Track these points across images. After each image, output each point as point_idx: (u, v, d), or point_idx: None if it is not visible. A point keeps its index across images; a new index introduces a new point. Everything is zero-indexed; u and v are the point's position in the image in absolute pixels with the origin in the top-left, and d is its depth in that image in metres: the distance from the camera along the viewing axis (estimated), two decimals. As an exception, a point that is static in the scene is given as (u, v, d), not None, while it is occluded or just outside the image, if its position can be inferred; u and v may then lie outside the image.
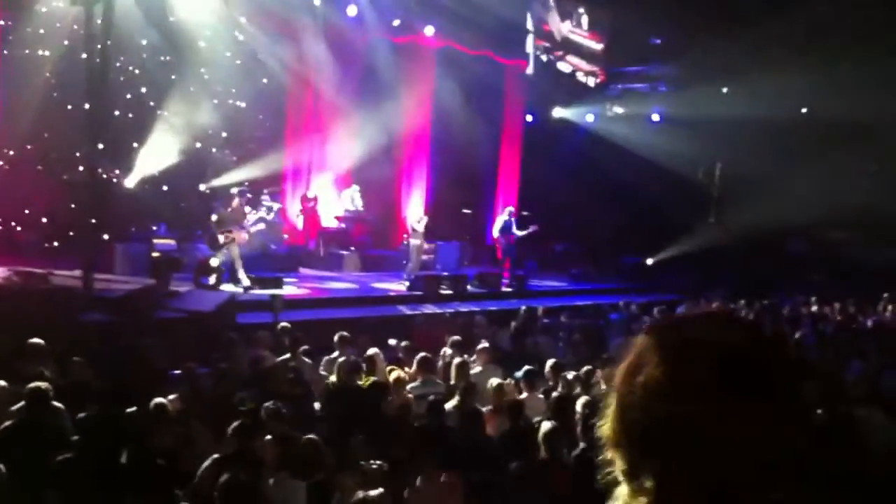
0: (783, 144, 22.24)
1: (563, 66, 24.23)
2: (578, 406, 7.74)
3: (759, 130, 22.41)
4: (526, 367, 9.63)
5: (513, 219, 20.01)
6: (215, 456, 6.32)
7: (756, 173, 22.87)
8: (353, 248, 20.41)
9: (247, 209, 16.35)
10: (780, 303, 18.38)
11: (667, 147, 23.54)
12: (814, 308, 17.62)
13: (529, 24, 22.88)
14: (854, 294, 18.30)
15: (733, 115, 23.34)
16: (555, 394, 8.65)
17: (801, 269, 21.93)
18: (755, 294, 18.41)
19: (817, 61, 20.51)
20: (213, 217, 15.47)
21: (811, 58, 20.43)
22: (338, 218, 20.62)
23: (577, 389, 9.11)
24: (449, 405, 8.28)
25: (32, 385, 7.09)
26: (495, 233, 20.05)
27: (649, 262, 24.29)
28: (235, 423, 6.72)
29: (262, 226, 17.00)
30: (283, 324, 11.88)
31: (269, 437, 6.63)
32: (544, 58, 23.69)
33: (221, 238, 15.12)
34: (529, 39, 23.12)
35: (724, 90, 24.84)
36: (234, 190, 16.42)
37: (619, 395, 1.34)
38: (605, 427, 1.35)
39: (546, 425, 6.89)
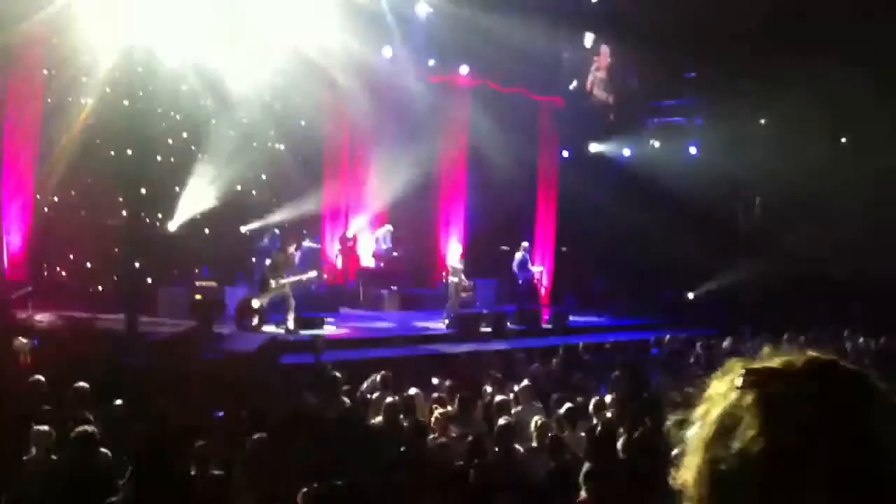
0: (822, 175, 22.01)
1: (596, 101, 24.27)
2: (619, 445, 7.69)
3: (797, 161, 22.22)
4: (568, 405, 9.57)
5: (527, 254, 20.46)
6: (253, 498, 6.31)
7: (795, 205, 22.65)
8: (393, 287, 20.46)
9: (297, 256, 16.61)
10: (826, 335, 18.10)
11: (704, 180, 23.40)
12: (860, 340, 17.32)
13: (563, 61, 22.98)
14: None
15: (771, 146, 23.21)
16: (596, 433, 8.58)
17: (843, 300, 21.60)
18: (799, 327, 18.14)
19: (854, 91, 20.35)
20: (268, 262, 15.70)
21: (848, 87, 20.27)
22: (376, 257, 20.72)
23: (620, 429, 9.03)
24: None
25: (80, 429, 7.16)
26: (514, 268, 20.34)
27: (690, 296, 24.09)
28: (272, 466, 6.75)
29: (313, 275, 17.03)
30: (325, 364, 11.92)
31: (305, 481, 6.62)
32: (577, 92, 23.76)
33: (273, 283, 15.29)
34: (564, 75, 23.21)
35: (762, 121, 24.70)
36: (277, 231, 16.61)
37: (708, 455, 1.17)
38: (687, 482, 1.20)
39: (587, 465, 6.83)
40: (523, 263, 20.42)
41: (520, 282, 20.60)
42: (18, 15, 14.73)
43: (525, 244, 20.99)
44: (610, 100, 24.75)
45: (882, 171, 21.22)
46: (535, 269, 21.69)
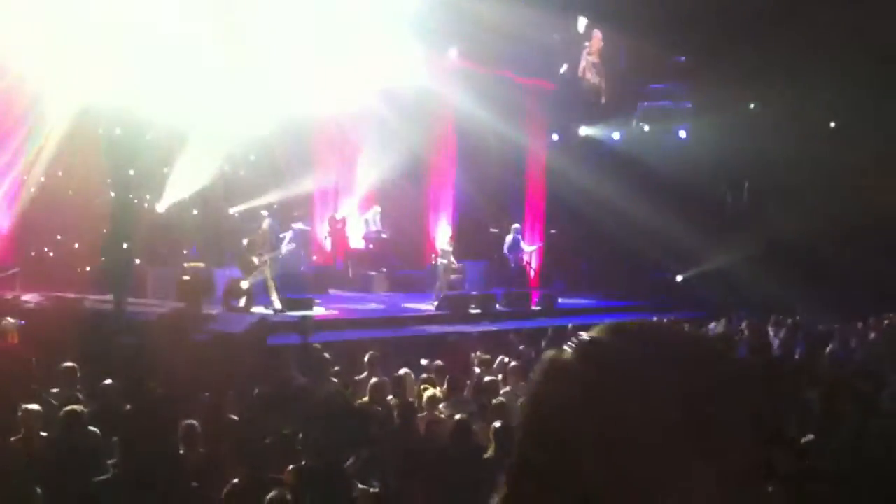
0: (812, 160, 22.05)
1: (587, 84, 24.22)
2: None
3: (786, 146, 22.26)
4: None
5: (518, 236, 20.47)
6: (235, 481, 6.30)
7: (784, 188, 22.71)
8: (382, 269, 20.46)
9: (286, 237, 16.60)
10: (813, 319, 18.17)
11: (693, 163, 23.45)
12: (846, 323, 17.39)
13: (554, 44, 22.92)
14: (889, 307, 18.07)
15: (760, 130, 23.25)
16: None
17: (832, 284, 21.68)
18: (784, 310, 18.22)
19: (844, 74, 20.40)
20: (245, 241, 15.62)
21: (838, 71, 20.32)
22: (365, 239, 20.72)
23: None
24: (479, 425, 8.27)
25: (68, 408, 7.17)
26: (505, 250, 20.37)
27: (679, 278, 24.17)
28: (260, 449, 6.77)
29: (293, 246, 17.15)
30: (314, 345, 11.92)
31: (293, 464, 6.62)
32: (568, 75, 23.72)
33: (255, 260, 15.25)
34: (555, 59, 23.17)
35: (751, 106, 24.72)
36: (264, 213, 16.57)
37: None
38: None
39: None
40: (515, 245, 20.45)
41: (511, 264, 20.61)
42: None
43: (516, 226, 21.00)
44: (601, 84, 24.69)
45: (872, 155, 21.30)
46: (529, 248, 21.67)
